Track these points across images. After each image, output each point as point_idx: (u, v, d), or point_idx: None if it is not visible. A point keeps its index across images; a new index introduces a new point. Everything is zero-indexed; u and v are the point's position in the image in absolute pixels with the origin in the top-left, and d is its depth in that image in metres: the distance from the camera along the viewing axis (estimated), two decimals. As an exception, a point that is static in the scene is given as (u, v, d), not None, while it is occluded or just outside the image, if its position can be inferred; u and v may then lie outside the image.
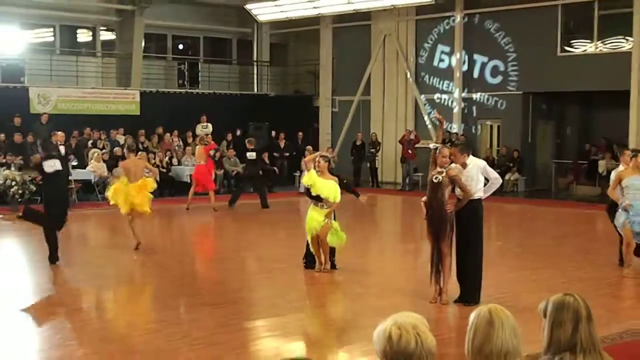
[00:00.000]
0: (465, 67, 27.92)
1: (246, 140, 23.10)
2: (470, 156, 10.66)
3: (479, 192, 10.47)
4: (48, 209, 13.21)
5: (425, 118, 28.79)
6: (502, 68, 27.16)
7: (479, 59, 27.78)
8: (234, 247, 16.50)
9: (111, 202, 14.68)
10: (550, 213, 22.46)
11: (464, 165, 10.46)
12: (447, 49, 28.37)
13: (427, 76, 29.20)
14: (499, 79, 27.31)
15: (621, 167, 12.82)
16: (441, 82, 28.76)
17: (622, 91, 24.01)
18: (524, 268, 13.49)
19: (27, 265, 13.66)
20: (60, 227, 13.12)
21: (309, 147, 24.46)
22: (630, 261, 12.51)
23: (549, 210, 22.93)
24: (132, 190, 14.19)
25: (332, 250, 12.70)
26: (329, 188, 12.23)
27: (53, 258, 12.93)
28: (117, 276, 13.12)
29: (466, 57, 27.91)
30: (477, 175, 10.46)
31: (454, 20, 27.94)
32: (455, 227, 10.34)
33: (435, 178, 10.22)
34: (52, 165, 12.78)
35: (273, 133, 29.29)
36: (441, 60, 28.69)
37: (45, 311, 10.90)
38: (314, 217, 12.23)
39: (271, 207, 21.28)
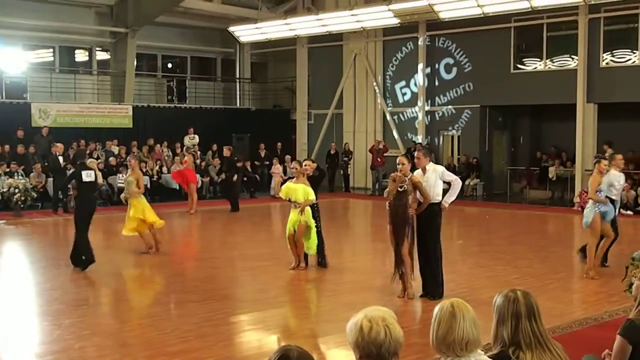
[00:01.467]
0: (427, 83, 28.02)
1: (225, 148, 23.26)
2: (430, 163, 10.71)
3: (437, 196, 10.50)
4: (79, 212, 13.20)
5: (392, 129, 28.91)
6: (461, 84, 27.28)
7: (440, 76, 27.89)
8: (220, 247, 16.45)
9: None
10: (505, 215, 22.57)
11: (424, 170, 10.51)
12: (411, 66, 28.45)
13: (393, 91, 29.27)
14: (458, 94, 27.43)
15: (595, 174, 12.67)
16: (406, 97, 28.84)
17: (568, 104, 24.23)
18: (482, 265, 13.53)
19: (28, 266, 13.52)
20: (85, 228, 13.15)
21: (288, 157, 24.58)
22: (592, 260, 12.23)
23: (505, 212, 23.05)
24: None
25: (321, 251, 12.80)
26: (296, 190, 12.43)
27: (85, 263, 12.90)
28: (111, 275, 13.01)
29: (428, 74, 28.02)
30: (436, 181, 10.51)
31: (417, 41, 28.05)
32: (416, 229, 10.38)
33: (400, 187, 10.25)
34: (88, 175, 13.04)
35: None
36: (406, 76, 28.77)
37: (45, 308, 10.80)
38: (292, 218, 12.45)
39: (254, 210, 21.25)
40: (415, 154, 10.93)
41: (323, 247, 12.91)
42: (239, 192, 22.79)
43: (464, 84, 27.21)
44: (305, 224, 12.40)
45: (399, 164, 10.40)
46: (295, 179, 12.82)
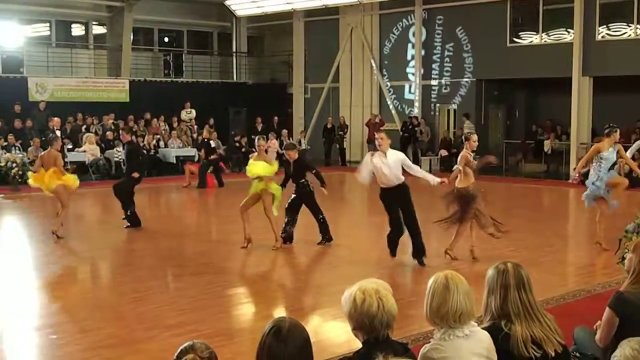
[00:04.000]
0: (424, 57, 27.92)
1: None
2: (390, 149, 10.79)
3: (400, 177, 10.71)
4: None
5: (389, 102, 28.87)
6: (458, 58, 27.19)
7: (437, 49, 27.79)
8: (216, 221, 16.45)
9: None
10: (501, 188, 22.56)
11: (386, 154, 10.67)
12: (408, 40, 28.33)
13: (390, 65, 29.18)
14: (455, 67, 27.34)
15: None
16: (403, 71, 28.76)
17: (564, 78, 24.15)
18: (477, 238, 13.53)
19: (27, 241, 13.51)
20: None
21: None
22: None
23: (500, 185, 23.03)
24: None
25: (325, 227, 12.60)
26: (256, 166, 12.19)
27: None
28: (109, 249, 13.03)
29: (425, 48, 27.91)
30: (397, 164, 10.67)
31: (414, 15, 27.91)
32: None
33: None
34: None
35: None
36: (403, 50, 28.67)
37: (44, 282, 10.82)
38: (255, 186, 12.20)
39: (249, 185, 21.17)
40: (377, 135, 11.01)
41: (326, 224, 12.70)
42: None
43: (461, 58, 27.11)
44: (271, 195, 12.10)
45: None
46: (257, 154, 12.57)
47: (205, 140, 22.49)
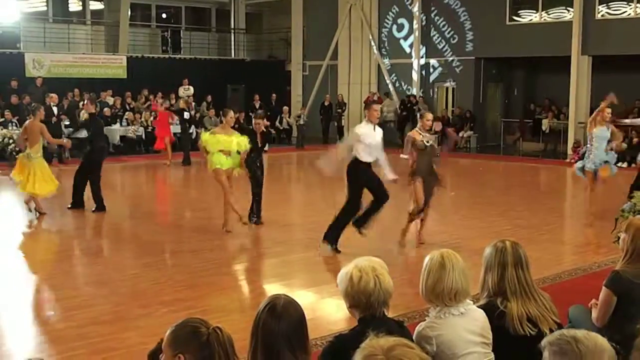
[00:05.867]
0: (423, 35, 27.81)
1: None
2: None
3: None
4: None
5: (387, 80, 28.80)
6: (457, 36, 27.10)
7: (437, 27, 27.68)
8: (212, 198, 16.41)
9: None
10: (499, 167, 22.62)
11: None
12: (407, 18, 28.22)
13: (389, 43, 29.08)
14: (454, 45, 27.25)
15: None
16: (402, 49, 28.66)
17: (563, 57, 24.09)
18: (475, 216, 13.57)
19: (21, 216, 13.48)
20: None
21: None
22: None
23: (498, 164, 23.09)
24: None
25: (258, 207, 12.39)
26: (231, 143, 11.59)
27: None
28: (106, 226, 13.04)
29: (425, 25, 27.80)
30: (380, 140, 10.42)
31: (413, -8, 27.79)
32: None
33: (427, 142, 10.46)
34: None
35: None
36: (402, 28, 28.56)
37: (41, 258, 10.84)
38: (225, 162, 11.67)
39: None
40: (374, 106, 10.58)
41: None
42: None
43: (460, 36, 27.01)
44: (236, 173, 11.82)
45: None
46: (221, 128, 11.93)
47: (181, 110, 22.40)
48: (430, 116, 10.86)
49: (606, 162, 12.33)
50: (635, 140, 21.82)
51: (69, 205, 13.65)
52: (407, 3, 28.14)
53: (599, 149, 12.24)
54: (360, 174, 10.19)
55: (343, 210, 10.35)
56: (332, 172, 10.77)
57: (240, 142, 11.64)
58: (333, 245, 10.29)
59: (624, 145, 12.98)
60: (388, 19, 28.95)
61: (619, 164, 20.59)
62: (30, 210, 13.10)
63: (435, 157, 10.90)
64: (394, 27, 28.80)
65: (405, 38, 28.49)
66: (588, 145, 12.51)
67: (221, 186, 11.73)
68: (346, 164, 10.27)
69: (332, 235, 10.32)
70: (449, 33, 27.32)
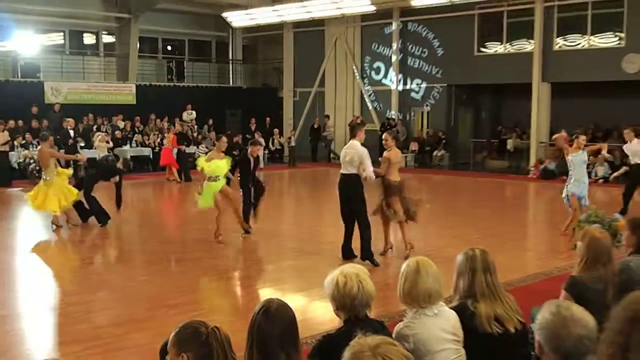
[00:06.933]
0: (401, 64, 27.94)
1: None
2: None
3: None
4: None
5: (369, 105, 28.90)
6: (431, 65, 27.22)
7: (413, 57, 27.80)
8: (212, 212, 16.37)
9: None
10: (469, 182, 22.67)
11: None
12: (387, 49, 28.35)
13: (370, 71, 29.18)
14: (428, 74, 27.36)
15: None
16: (382, 77, 28.76)
17: (525, 83, 24.25)
18: (448, 226, 13.59)
19: (42, 229, 13.42)
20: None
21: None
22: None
23: (468, 179, 23.14)
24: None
25: (246, 218, 12.40)
26: (223, 168, 11.73)
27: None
28: (117, 238, 12.99)
29: (402, 56, 27.93)
30: None
31: (392, 26, 27.91)
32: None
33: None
34: None
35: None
36: (382, 58, 28.67)
37: (60, 266, 10.79)
38: (214, 188, 11.69)
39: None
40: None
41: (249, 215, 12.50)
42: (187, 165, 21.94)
43: (434, 65, 27.14)
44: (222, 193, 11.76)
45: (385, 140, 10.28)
46: (215, 151, 12.03)
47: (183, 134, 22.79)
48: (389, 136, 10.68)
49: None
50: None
51: (82, 221, 13.61)
52: (386, 36, 28.25)
53: (581, 174, 11.81)
54: (362, 189, 10.01)
55: (362, 227, 10.05)
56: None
57: (225, 166, 11.79)
58: (374, 261, 9.94)
59: (608, 156, 12.63)
60: (369, 50, 29.02)
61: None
62: (57, 225, 13.03)
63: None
64: (375, 57, 28.89)
65: (385, 67, 28.58)
66: (570, 172, 11.91)
67: (218, 207, 11.74)
68: (348, 182, 10.01)
69: (367, 253, 10.01)
70: (423, 63, 27.43)
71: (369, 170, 9.81)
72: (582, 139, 12.14)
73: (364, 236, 10.00)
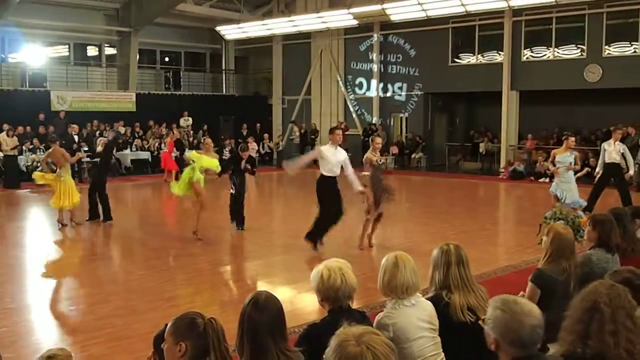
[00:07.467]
0: (381, 74, 27.98)
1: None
2: (339, 147, 10.29)
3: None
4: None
5: (352, 112, 28.93)
6: (409, 74, 27.28)
7: (392, 67, 27.85)
8: (207, 211, 16.33)
9: None
10: (444, 182, 22.73)
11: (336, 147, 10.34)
12: (367, 64, 28.38)
13: (353, 80, 29.20)
14: (406, 82, 27.41)
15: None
16: (364, 85, 28.79)
17: (496, 92, 24.35)
18: (425, 223, 13.63)
19: (48, 228, 13.35)
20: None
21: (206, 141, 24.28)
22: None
23: (444, 180, 23.21)
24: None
25: (242, 218, 12.41)
26: (211, 162, 11.79)
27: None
28: (119, 235, 12.93)
29: (382, 66, 27.97)
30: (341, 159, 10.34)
31: (372, 39, 27.96)
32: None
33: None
34: None
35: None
36: (363, 73, 28.70)
37: (65, 262, 10.74)
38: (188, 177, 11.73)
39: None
40: (337, 131, 10.39)
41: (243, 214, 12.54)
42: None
43: (411, 74, 27.20)
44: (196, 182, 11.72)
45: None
46: (205, 151, 12.05)
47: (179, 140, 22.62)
48: (379, 140, 10.79)
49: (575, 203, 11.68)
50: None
51: (87, 218, 13.55)
52: (367, 47, 28.29)
53: (567, 176, 11.72)
54: (327, 187, 10.22)
55: (317, 220, 10.38)
56: (293, 173, 11.22)
57: (211, 161, 11.80)
58: (314, 246, 10.35)
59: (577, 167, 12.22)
60: (352, 61, 29.03)
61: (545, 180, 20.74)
62: (62, 224, 13.00)
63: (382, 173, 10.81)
64: (357, 67, 28.90)
65: (366, 76, 28.61)
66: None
67: (199, 195, 11.75)
68: (316, 180, 10.37)
69: (311, 237, 10.39)
70: (402, 72, 27.48)
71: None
72: (572, 140, 11.84)
73: (317, 222, 10.31)
